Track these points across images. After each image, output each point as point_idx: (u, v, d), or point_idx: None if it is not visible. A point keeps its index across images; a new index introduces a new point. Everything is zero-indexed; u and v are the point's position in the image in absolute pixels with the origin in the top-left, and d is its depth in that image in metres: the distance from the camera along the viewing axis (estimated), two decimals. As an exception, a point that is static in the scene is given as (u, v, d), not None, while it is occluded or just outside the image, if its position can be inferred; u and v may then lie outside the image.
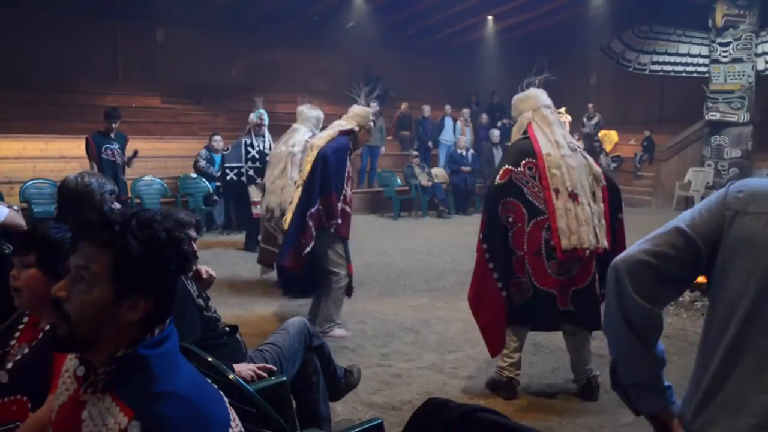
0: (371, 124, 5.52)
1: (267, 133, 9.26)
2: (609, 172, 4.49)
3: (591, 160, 4.23)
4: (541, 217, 4.02)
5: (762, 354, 1.47)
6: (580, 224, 3.96)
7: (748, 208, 1.52)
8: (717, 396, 1.52)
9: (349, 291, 5.47)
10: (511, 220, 4.07)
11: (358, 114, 5.40)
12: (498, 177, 4.13)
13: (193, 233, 3.14)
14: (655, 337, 1.61)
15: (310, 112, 7.22)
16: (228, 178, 9.28)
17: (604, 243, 4.03)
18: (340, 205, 5.23)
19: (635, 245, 1.62)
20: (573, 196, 3.99)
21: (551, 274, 4.03)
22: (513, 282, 4.10)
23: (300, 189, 5.33)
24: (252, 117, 9.18)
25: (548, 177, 4.01)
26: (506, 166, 4.13)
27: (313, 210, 5.17)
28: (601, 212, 4.09)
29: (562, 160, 4.04)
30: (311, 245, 5.14)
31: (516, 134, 4.33)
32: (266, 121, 9.13)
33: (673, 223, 1.61)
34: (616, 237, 4.17)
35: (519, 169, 4.08)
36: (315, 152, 5.27)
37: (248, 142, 9.17)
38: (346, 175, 5.31)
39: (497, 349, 4.17)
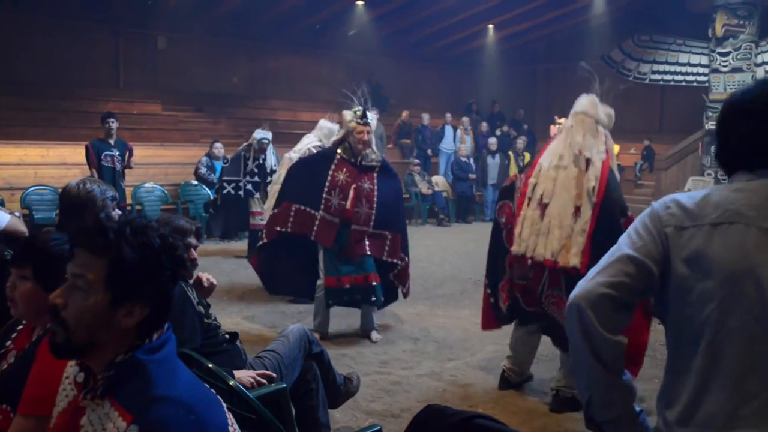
0: (350, 123, 5.35)
1: (270, 148, 9.30)
2: (618, 192, 4.15)
3: (593, 173, 3.91)
4: None
5: (742, 358, 1.47)
6: (533, 233, 3.97)
7: (684, 222, 1.54)
8: (701, 407, 1.52)
9: (352, 303, 5.46)
10: (503, 220, 4.29)
11: (344, 121, 5.51)
12: (506, 181, 4.51)
13: (193, 240, 3.16)
14: (622, 366, 1.59)
15: (325, 123, 7.40)
16: (225, 191, 9.31)
17: (572, 260, 3.81)
18: (319, 213, 5.28)
19: (588, 279, 1.59)
20: (542, 206, 3.99)
21: (515, 278, 4.17)
22: (506, 279, 4.26)
23: None
24: (254, 139, 9.21)
25: (528, 185, 4.10)
26: (515, 173, 4.36)
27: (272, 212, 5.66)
28: (580, 229, 3.84)
29: (548, 171, 4.02)
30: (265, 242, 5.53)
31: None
32: (266, 144, 9.17)
33: (618, 250, 1.60)
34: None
35: (521, 176, 4.28)
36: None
37: (247, 156, 9.20)
38: (327, 183, 5.29)
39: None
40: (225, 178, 9.41)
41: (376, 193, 5.38)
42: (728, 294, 1.48)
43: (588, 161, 3.94)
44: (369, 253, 5.36)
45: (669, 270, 1.56)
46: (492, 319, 4.47)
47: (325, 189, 5.29)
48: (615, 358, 1.56)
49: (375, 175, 5.44)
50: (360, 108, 5.33)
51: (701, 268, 1.51)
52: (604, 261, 1.61)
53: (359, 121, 5.32)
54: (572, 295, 1.59)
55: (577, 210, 3.88)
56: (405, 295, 5.77)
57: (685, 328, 1.56)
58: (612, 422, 1.60)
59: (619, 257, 1.58)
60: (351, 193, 5.30)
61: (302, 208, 5.34)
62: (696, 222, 1.53)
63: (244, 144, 9.64)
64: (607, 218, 3.84)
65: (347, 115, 5.41)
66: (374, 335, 5.49)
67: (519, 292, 4.15)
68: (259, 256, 5.78)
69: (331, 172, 5.34)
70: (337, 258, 5.33)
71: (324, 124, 7.40)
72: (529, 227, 3.99)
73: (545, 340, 4.39)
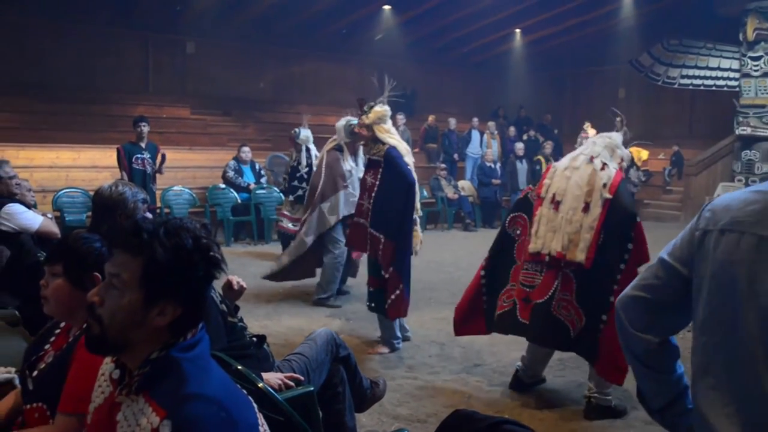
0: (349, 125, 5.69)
1: (305, 147, 9.07)
2: (628, 199, 4.22)
3: (606, 174, 4.00)
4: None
5: (758, 358, 1.43)
6: (548, 230, 4.04)
7: (709, 225, 1.54)
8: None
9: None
10: (518, 232, 4.30)
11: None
12: (521, 193, 4.51)
13: None
14: (666, 363, 1.68)
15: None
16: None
17: (578, 255, 3.89)
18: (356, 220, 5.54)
19: (629, 285, 1.73)
20: (554, 203, 4.07)
21: (519, 282, 4.16)
22: (507, 290, 4.26)
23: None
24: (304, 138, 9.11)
25: (542, 187, 4.20)
26: (529, 185, 4.40)
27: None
28: (587, 224, 3.92)
29: (563, 172, 4.13)
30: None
31: None
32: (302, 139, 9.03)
33: (659, 254, 1.68)
34: (625, 269, 3.84)
35: (535, 187, 4.34)
36: None
37: (298, 160, 9.03)
38: (360, 187, 5.47)
39: (457, 331, 4.57)
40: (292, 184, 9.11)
41: (376, 187, 5.16)
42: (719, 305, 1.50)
43: (604, 164, 4.09)
44: (367, 253, 5.26)
45: (692, 276, 1.57)
46: (481, 324, 4.43)
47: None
48: (646, 356, 1.67)
49: (380, 169, 5.17)
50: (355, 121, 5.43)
51: (709, 273, 1.51)
52: (647, 265, 1.74)
53: (359, 113, 5.32)
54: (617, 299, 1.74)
55: (587, 206, 3.96)
56: (391, 316, 5.16)
57: (704, 327, 1.55)
58: (661, 411, 1.72)
59: (656, 262, 1.67)
60: (360, 186, 5.42)
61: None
62: (717, 226, 1.53)
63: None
64: (616, 218, 3.91)
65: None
66: (379, 347, 5.33)
67: (519, 298, 4.14)
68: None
69: (362, 175, 5.48)
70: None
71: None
72: (545, 225, 4.06)
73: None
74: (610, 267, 3.85)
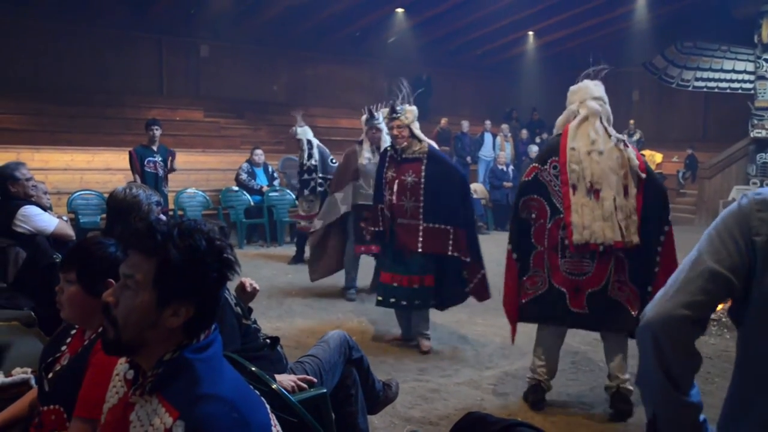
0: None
1: (310, 145, 9.06)
2: (653, 171, 4.26)
3: (631, 152, 4.05)
4: (559, 216, 4.05)
5: None
6: (595, 219, 3.93)
7: None
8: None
9: (397, 305, 5.42)
10: (534, 216, 4.14)
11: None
12: (524, 175, 4.26)
13: None
14: (692, 384, 1.54)
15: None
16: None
17: (634, 239, 3.93)
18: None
19: (665, 296, 1.51)
20: (593, 191, 3.97)
21: (563, 272, 4.04)
22: (530, 276, 4.15)
23: None
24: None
25: (567, 172, 4.02)
26: (533, 164, 4.22)
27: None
28: (632, 208, 3.96)
29: (587, 155, 4.00)
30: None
31: (557, 127, 4.29)
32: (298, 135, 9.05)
33: (699, 260, 1.49)
34: (663, 253, 3.92)
35: (545, 167, 4.13)
36: None
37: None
38: (385, 182, 5.43)
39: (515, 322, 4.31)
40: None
41: (422, 183, 5.22)
42: None
43: (623, 142, 4.09)
44: (421, 249, 5.19)
45: (753, 283, 1.44)
46: (515, 311, 4.26)
47: (385, 188, 5.42)
48: (687, 378, 1.52)
49: (423, 166, 5.25)
50: (378, 116, 5.47)
51: None
52: (684, 274, 1.51)
53: (390, 117, 5.34)
54: (648, 313, 1.52)
55: (626, 189, 3.98)
56: (479, 298, 5.43)
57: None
58: None
59: (701, 272, 1.47)
60: (395, 187, 5.27)
61: (380, 206, 5.47)
62: None
63: None
64: (651, 192, 4.01)
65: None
66: (423, 343, 5.36)
67: (569, 289, 4.03)
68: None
69: (384, 171, 5.43)
70: (393, 255, 5.34)
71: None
72: (590, 214, 3.94)
73: (571, 348, 4.35)
74: (652, 240, 3.95)
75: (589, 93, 4.19)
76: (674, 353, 1.47)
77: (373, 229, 5.60)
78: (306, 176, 8.75)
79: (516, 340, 4.39)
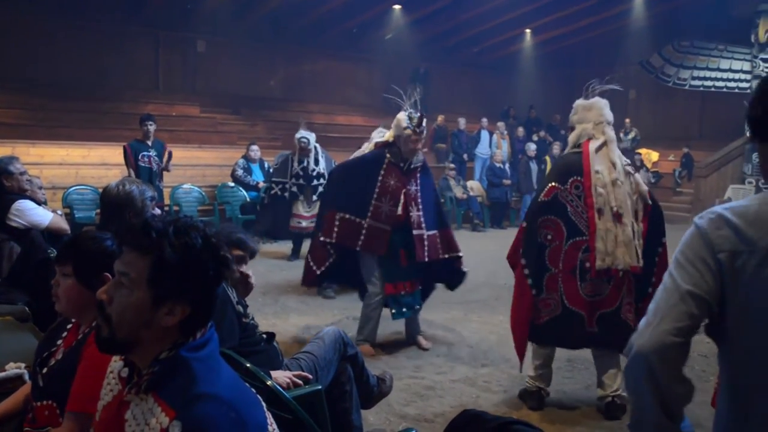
0: (405, 130, 5.08)
1: (315, 151, 9.20)
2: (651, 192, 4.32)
3: (639, 178, 4.17)
4: (580, 238, 3.98)
5: None
6: (618, 246, 3.93)
7: (738, 246, 1.44)
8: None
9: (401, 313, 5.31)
10: (549, 237, 4.03)
11: (393, 125, 5.24)
12: (543, 194, 4.09)
13: (246, 259, 3.22)
14: (683, 413, 1.54)
15: (377, 131, 7.32)
16: (272, 192, 9.28)
17: (641, 262, 4.00)
18: (366, 221, 5.09)
19: (651, 325, 1.52)
20: (617, 216, 3.95)
21: (582, 294, 4.00)
22: (542, 299, 4.06)
23: None
24: (296, 139, 9.19)
25: (593, 195, 3.96)
26: (552, 184, 4.07)
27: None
28: (640, 231, 4.04)
29: (615, 181, 3.99)
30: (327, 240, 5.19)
31: (571, 144, 4.24)
32: (311, 144, 9.13)
33: (676, 286, 1.51)
34: (659, 262, 4.04)
35: (565, 187, 4.03)
36: None
37: (293, 158, 9.20)
38: (377, 189, 5.13)
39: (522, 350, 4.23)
40: (273, 179, 9.38)
41: (420, 194, 5.22)
42: None
43: (632, 166, 4.21)
44: (426, 258, 5.16)
45: (727, 298, 1.47)
46: (526, 332, 4.17)
47: (375, 195, 5.10)
48: (681, 409, 1.52)
49: (418, 175, 5.25)
50: (417, 115, 5.07)
51: (760, 296, 1.43)
52: (663, 301, 1.52)
53: (416, 129, 5.08)
54: (637, 343, 1.52)
55: (635, 214, 4.06)
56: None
57: (755, 357, 1.47)
58: None
59: (683, 296, 1.49)
60: (402, 198, 5.12)
61: (347, 216, 5.13)
62: (750, 246, 1.43)
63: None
64: (656, 218, 4.13)
65: (402, 120, 5.10)
66: (424, 342, 5.41)
67: (587, 311, 4.00)
68: (315, 281, 5.73)
69: (381, 177, 5.14)
70: (393, 265, 5.21)
71: (374, 132, 7.29)
72: (613, 240, 3.93)
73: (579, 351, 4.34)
74: (650, 261, 4.04)
75: (604, 117, 4.17)
76: (669, 381, 1.48)
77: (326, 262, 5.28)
78: (315, 182, 8.98)
79: (510, 338, 4.37)
